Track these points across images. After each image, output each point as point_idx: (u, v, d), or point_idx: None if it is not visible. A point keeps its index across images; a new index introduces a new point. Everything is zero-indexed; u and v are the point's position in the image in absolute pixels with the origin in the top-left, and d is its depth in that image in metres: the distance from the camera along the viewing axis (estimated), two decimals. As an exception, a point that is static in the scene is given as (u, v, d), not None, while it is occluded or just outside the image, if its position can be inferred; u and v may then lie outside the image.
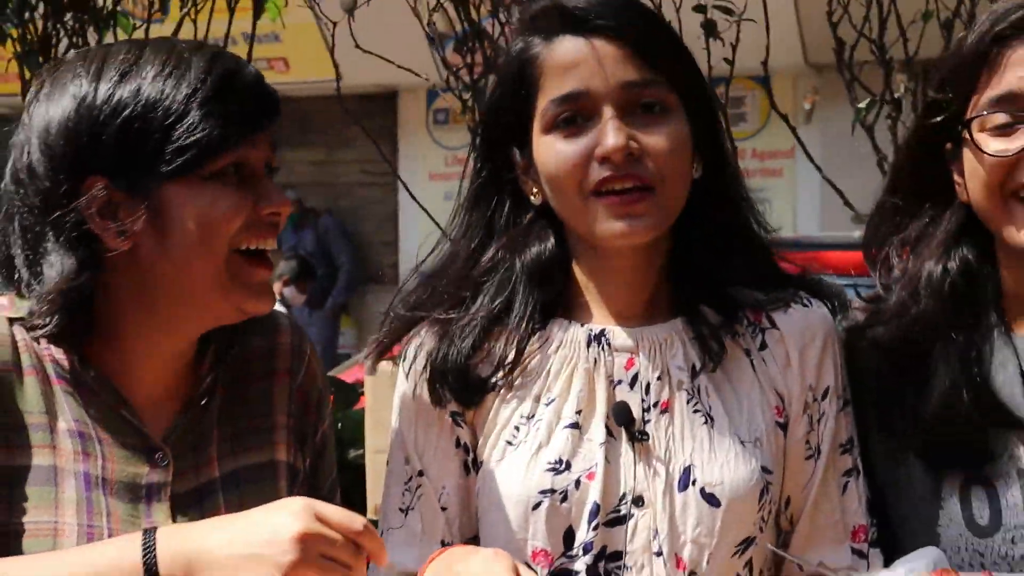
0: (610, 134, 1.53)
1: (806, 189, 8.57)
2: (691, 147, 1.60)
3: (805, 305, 1.67)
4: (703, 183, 1.62)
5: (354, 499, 2.12)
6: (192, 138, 1.42)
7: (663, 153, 1.55)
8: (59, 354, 1.49)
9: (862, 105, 3.27)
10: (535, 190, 1.63)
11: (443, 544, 1.64)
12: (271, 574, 1.29)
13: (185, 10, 3.50)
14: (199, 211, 1.45)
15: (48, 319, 1.46)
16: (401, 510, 1.67)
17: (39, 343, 1.49)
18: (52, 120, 1.46)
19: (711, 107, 1.66)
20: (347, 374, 4.12)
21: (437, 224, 3.32)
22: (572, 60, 1.56)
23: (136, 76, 1.44)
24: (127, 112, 1.43)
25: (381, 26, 3.82)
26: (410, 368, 1.67)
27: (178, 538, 1.34)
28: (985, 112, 1.54)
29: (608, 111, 1.54)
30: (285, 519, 1.32)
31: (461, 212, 1.71)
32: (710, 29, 3.07)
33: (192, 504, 1.51)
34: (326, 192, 11.27)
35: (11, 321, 1.49)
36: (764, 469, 1.61)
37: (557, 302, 1.67)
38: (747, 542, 1.61)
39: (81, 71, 1.47)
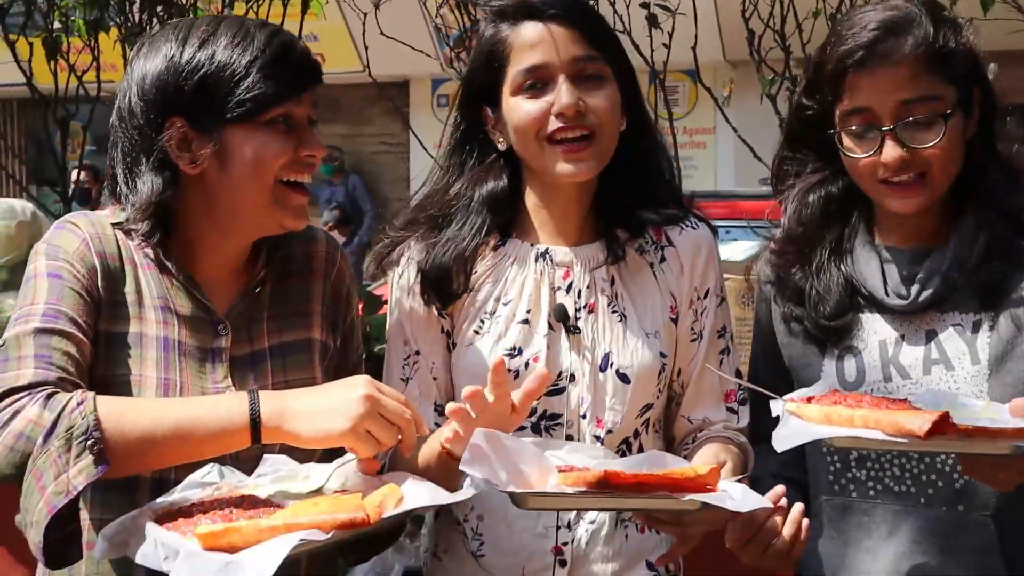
0: (564, 95, 1.55)
1: (723, 157, 8.61)
2: (620, 108, 1.61)
3: (694, 228, 1.68)
4: (627, 134, 1.63)
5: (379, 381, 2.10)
6: (251, 94, 1.44)
7: (601, 110, 1.58)
8: (147, 249, 1.51)
9: (768, 78, 3.25)
10: (501, 139, 1.64)
11: (436, 406, 1.65)
12: (342, 423, 1.32)
13: (248, 7, 3.47)
14: (253, 149, 1.46)
15: (140, 224, 1.49)
16: (402, 379, 1.67)
17: (132, 241, 1.51)
18: (147, 73, 1.48)
19: (634, 79, 1.67)
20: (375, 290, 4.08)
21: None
22: (534, 40, 1.58)
23: (212, 44, 1.46)
24: (203, 70, 1.45)
25: (397, 24, 3.78)
26: (402, 275, 1.67)
27: (274, 398, 1.36)
28: (849, 125, 1.52)
29: (562, 78, 1.56)
30: (356, 385, 1.36)
31: (443, 158, 1.71)
32: (653, 21, 3.10)
33: (245, 366, 1.52)
34: (352, 159, 11.13)
35: (113, 226, 1.52)
36: (662, 354, 1.63)
37: (512, 226, 1.68)
38: (647, 407, 1.65)
39: (172, 37, 1.49)
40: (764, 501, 1.37)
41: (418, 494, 1.35)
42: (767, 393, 1.45)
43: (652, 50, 3.22)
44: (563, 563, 1.60)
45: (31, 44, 3.44)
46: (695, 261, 1.66)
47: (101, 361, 1.44)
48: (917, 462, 1.52)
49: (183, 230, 1.53)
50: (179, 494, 1.34)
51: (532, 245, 1.66)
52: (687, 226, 1.68)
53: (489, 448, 1.34)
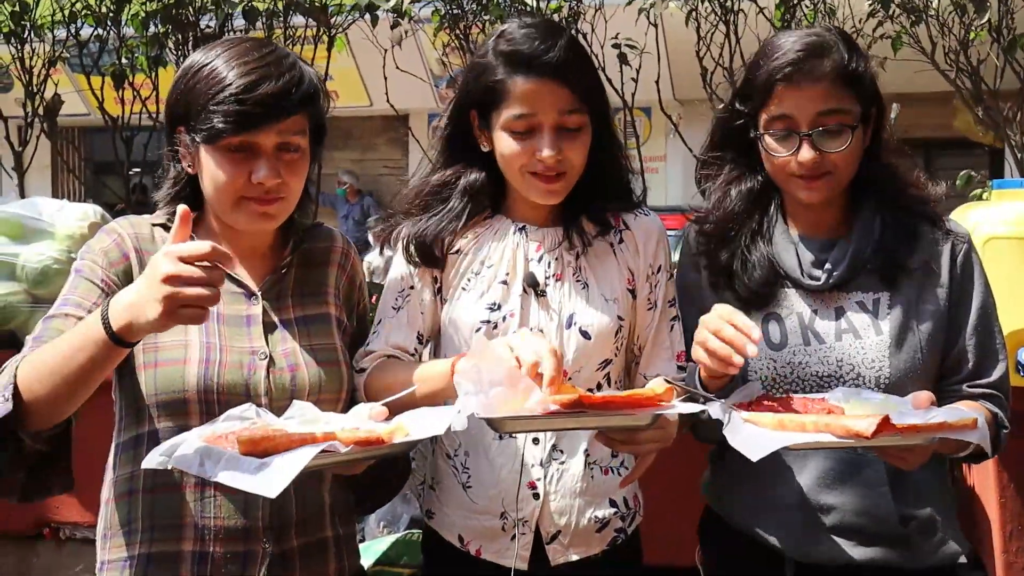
0: (546, 150, 1.53)
1: (673, 179, 8.74)
2: (589, 146, 1.58)
3: (646, 215, 1.68)
4: (595, 144, 1.59)
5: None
6: (208, 125, 1.39)
7: (576, 157, 1.57)
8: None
9: (719, 107, 3.34)
10: (485, 143, 1.61)
11: (419, 335, 1.64)
12: (156, 310, 1.18)
13: (286, 43, 3.50)
14: (210, 170, 1.42)
15: (167, 211, 1.49)
16: (394, 308, 1.65)
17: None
18: (173, 83, 1.47)
19: (607, 107, 1.65)
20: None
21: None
22: (528, 93, 1.53)
23: (209, 66, 1.41)
24: (191, 91, 1.42)
25: (401, 66, 3.86)
26: (397, 247, 1.66)
27: (114, 301, 1.24)
28: (772, 129, 1.54)
29: (547, 130, 1.54)
30: (157, 266, 1.19)
31: (434, 154, 1.68)
32: (623, 59, 3.18)
33: (276, 330, 1.49)
34: (361, 181, 11.18)
35: (153, 225, 1.51)
36: (619, 317, 1.63)
37: (500, 204, 1.66)
38: (606, 362, 1.63)
39: (200, 52, 1.46)
40: (705, 407, 1.37)
41: (420, 427, 1.31)
42: (708, 396, 1.45)
43: (623, 83, 3.30)
44: (537, 496, 1.59)
45: (103, 77, 3.51)
46: (648, 241, 1.66)
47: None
48: None
49: (211, 219, 1.51)
50: (221, 423, 1.30)
51: (513, 221, 1.65)
52: (639, 213, 1.68)
53: (482, 362, 1.32)
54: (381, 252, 1.74)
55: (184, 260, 1.17)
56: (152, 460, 1.25)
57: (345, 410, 1.42)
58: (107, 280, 1.43)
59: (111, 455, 1.50)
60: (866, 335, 1.54)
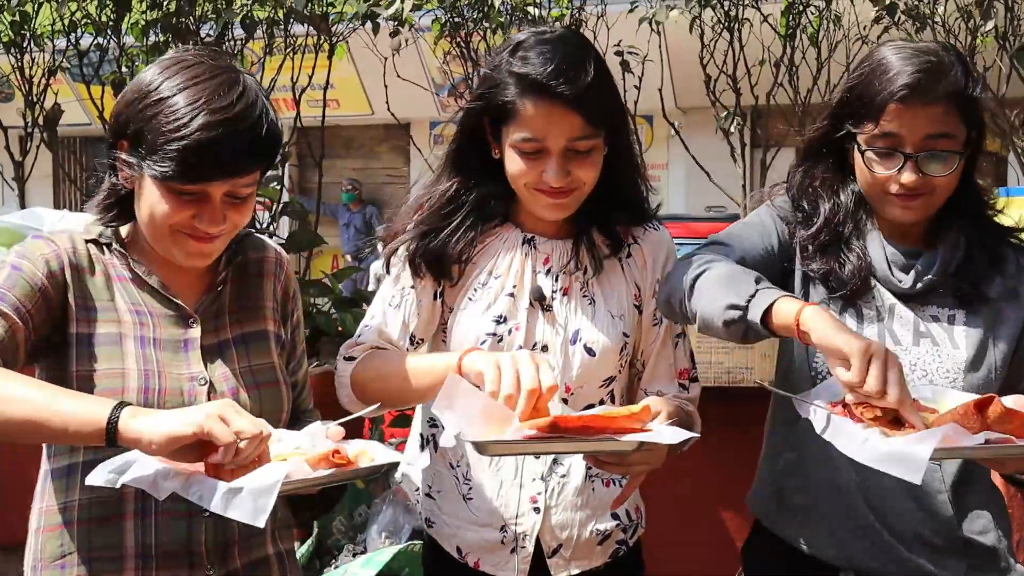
0: (552, 175, 1.50)
1: (675, 188, 8.70)
2: (603, 158, 1.55)
3: (656, 230, 1.66)
4: (609, 157, 1.56)
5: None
6: (160, 167, 1.31)
7: (586, 177, 1.54)
8: (118, 260, 1.43)
9: (723, 115, 3.33)
10: (497, 152, 1.57)
11: (412, 337, 1.61)
12: (182, 422, 1.18)
13: (284, 56, 3.51)
14: (151, 203, 1.35)
15: (99, 218, 1.43)
16: (391, 305, 1.62)
17: (104, 255, 1.43)
18: (127, 91, 1.39)
19: (626, 123, 1.61)
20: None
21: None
22: (537, 117, 1.49)
23: (172, 99, 1.32)
24: (149, 119, 1.33)
25: (403, 75, 3.86)
26: (403, 262, 1.62)
27: (132, 416, 1.20)
28: (876, 145, 1.50)
29: (555, 155, 1.51)
30: (195, 413, 1.20)
31: (442, 167, 1.62)
32: (626, 67, 3.17)
33: (215, 353, 1.44)
34: (363, 190, 11.18)
35: (86, 241, 1.44)
36: (624, 334, 1.61)
37: (510, 213, 1.63)
38: (610, 379, 1.62)
39: (161, 71, 1.36)
40: (689, 433, 1.33)
41: (385, 452, 1.31)
42: (798, 398, 1.38)
43: (625, 91, 3.31)
44: (537, 510, 1.59)
45: (103, 86, 3.52)
46: (656, 257, 1.64)
47: (84, 359, 1.36)
48: None
49: (144, 245, 1.44)
50: None
51: (522, 231, 1.63)
52: (650, 228, 1.66)
53: (456, 398, 1.31)
54: (387, 268, 1.65)
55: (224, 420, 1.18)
56: (99, 477, 1.20)
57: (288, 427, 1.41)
58: (45, 288, 1.36)
59: (40, 482, 1.43)
60: (943, 344, 1.52)
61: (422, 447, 1.69)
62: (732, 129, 3.41)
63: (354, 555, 2.55)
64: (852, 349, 1.26)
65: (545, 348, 1.58)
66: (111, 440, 1.19)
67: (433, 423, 1.66)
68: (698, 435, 1.37)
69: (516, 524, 1.58)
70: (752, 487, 1.69)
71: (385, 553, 2.28)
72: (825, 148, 1.59)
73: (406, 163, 11.08)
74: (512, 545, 1.58)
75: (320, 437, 1.32)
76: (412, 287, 1.62)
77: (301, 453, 1.27)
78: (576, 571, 1.61)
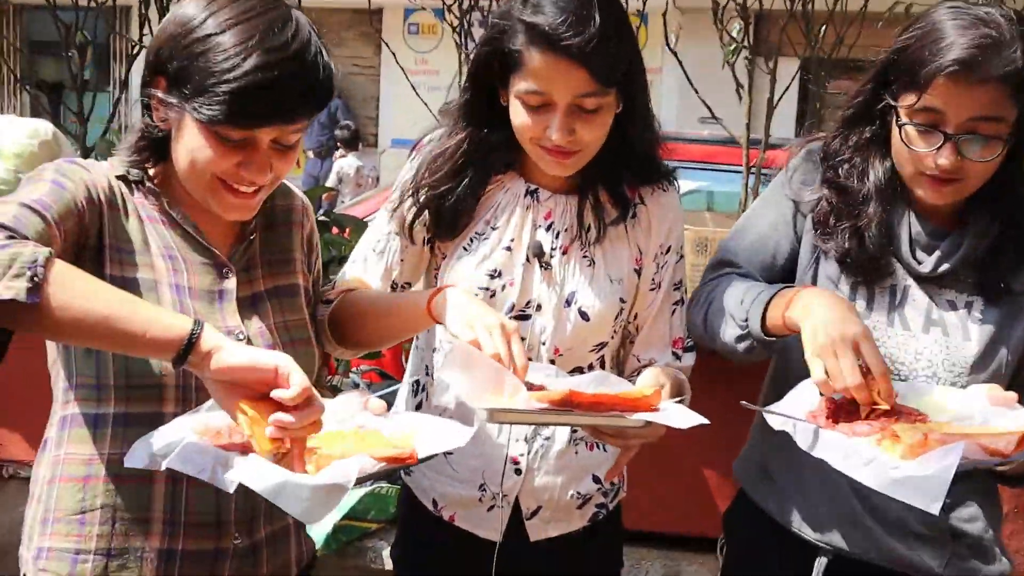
0: (555, 132, 1.46)
1: (668, 97, 8.31)
2: (613, 116, 1.50)
3: (664, 191, 1.62)
4: (621, 115, 1.51)
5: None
6: (210, 109, 1.25)
7: (591, 138, 1.50)
8: (151, 201, 1.37)
9: (731, 48, 3.18)
10: (504, 98, 1.53)
11: (394, 283, 1.62)
12: (281, 354, 1.17)
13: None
14: (193, 147, 1.30)
15: (130, 160, 1.36)
16: (374, 251, 1.63)
17: (134, 194, 1.37)
18: (167, 25, 1.32)
19: (642, 81, 1.54)
20: (357, 209, 3.80)
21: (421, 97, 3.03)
22: (543, 70, 1.45)
23: (222, 35, 1.26)
24: (196, 58, 1.26)
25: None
26: (407, 210, 1.60)
27: (213, 332, 1.17)
28: (915, 120, 1.42)
29: (559, 111, 1.46)
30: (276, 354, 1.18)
31: (454, 118, 1.59)
32: None
33: (249, 306, 1.40)
34: (328, 78, 10.78)
35: (117, 178, 1.36)
36: (621, 299, 1.59)
37: (514, 162, 1.60)
38: (601, 344, 1.61)
39: (205, 4, 1.30)
40: (699, 418, 1.34)
41: (434, 441, 1.29)
42: (795, 418, 1.34)
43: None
44: (519, 471, 1.59)
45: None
46: (662, 221, 1.61)
47: None
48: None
49: (179, 189, 1.39)
50: (206, 412, 1.22)
51: (526, 181, 1.60)
52: (658, 189, 1.62)
53: (463, 365, 1.32)
54: (401, 229, 1.64)
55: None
56: (139, 458, 1.17)
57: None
58: (83, 212, 1.28)
59: (54, 427, 1.38)
60: (954, 335, 1.48)
61: (415, 393, 1.68)
62: (732, 59, 3.23)
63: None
64: (812, 352, 1.31)
65: (539, 307, 1.57)
66: (186, 352, 1.14)
67: (428, 371, 1.66)
68: (707, 421, 1.35)
69: (497, 484, 1.59)
70: (741, 453, 1.69)
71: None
72: (865, 118, 1.52)
73: (376, 52, 10.63)
74: (490, 504, 1.60)
75: (356, 407, 1.33)
76: (398, 233, 1.61)
77: (361, 440, 1.26)
78: (554, 533, 1.63)
